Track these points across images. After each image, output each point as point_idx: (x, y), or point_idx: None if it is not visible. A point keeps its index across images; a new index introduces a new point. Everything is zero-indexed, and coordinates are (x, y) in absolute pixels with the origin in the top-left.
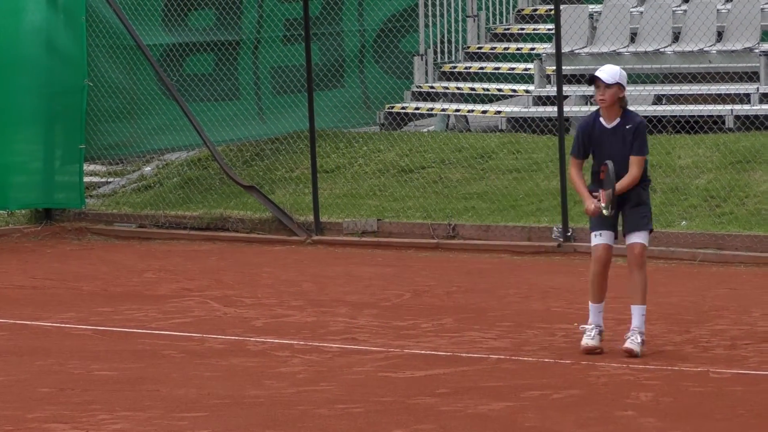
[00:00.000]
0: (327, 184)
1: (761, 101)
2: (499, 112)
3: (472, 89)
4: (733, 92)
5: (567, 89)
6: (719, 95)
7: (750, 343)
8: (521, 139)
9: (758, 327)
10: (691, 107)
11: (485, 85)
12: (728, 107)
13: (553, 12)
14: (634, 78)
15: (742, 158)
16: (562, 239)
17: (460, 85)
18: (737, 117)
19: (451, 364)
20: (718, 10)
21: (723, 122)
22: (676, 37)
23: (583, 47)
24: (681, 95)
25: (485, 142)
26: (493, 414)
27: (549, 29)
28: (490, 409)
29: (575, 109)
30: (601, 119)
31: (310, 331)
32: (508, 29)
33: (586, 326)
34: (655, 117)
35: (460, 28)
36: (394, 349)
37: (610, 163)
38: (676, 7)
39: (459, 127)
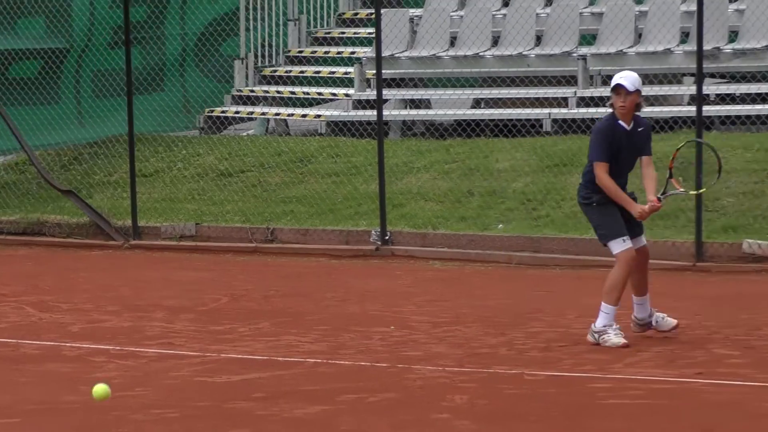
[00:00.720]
0: (146, 188)
1: (579, 105)
2: (318, 116)
3: (293, 93)
4: (551, 96)
5: (387, 93)
6: (537, 99)
7: (564, 345)
8: (340, 143)
9: (573, 329)
10: (510, 111)
11: (306, 89)
12: (546, 111)
13: (373, 16)
14: (454, 81)
15: (560, 162)
16: (380, 243)
17: (281, 89)
18: (555, 121)
19: (268, 368)
20: (537, 14)
21: (541, 126)
22: (495, 41)
23: (403, 51)
24: (500, 99)
25: (305, 146)
26: (309, 418)
27: (370, 33)
28: (306, 413)
29: (395, 112)
30: (620, 122)
31: (126, 336)
32: (329, 33)
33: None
34: (473, 120)
35: (281, 32)
36: (210, 353)
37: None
38: (496, 11)
39: (279, 131)
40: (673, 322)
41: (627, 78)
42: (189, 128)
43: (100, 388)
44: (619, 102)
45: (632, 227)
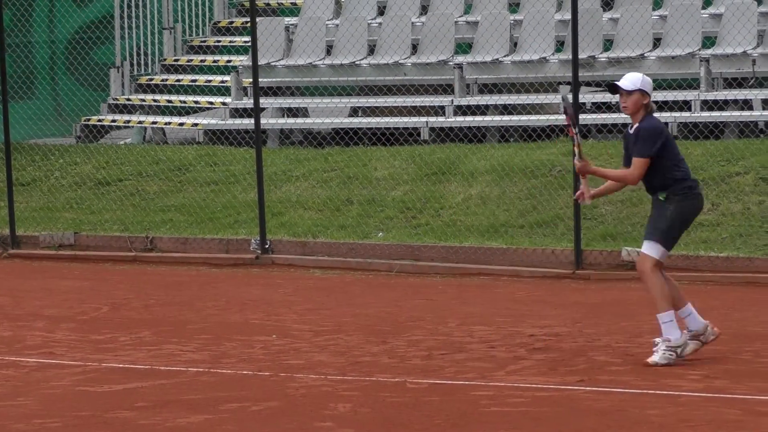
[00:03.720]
0: (23, 197)
1: (456, 113)
2: (196, 125)
3: (169, 101)
4: (428, 104)
5: (264, 101)
6: (415, 108)
7: (446, 353)
8: (218, 152)
9: (454, 337)
10: (387, 119)
11: (182, 98)
12: (423, 119)
13: (249, 24)
14: (331, 90)
15: (438, 170)
16: (260, 251)
17: (157, 97)
18: (432, 129)
19: (150, 377)
20: (412, 23)
21: (419, 134)
22: (371, 50)
23: (279, 60)
24: (377, 107)
25: (182, 155)
26: (191, 427)
27: (245, 42)
28: (189, 422)
29: (272, 121)
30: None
31: (6, 345)
32: (205, 41)
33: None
34: (351, 129)
35: (156, 40)
36: (92, 363)
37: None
38: (371, 19)
39: (156, 140)
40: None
41: (626, 77)
42: (64, 136)
43: None
44: (621, 103)
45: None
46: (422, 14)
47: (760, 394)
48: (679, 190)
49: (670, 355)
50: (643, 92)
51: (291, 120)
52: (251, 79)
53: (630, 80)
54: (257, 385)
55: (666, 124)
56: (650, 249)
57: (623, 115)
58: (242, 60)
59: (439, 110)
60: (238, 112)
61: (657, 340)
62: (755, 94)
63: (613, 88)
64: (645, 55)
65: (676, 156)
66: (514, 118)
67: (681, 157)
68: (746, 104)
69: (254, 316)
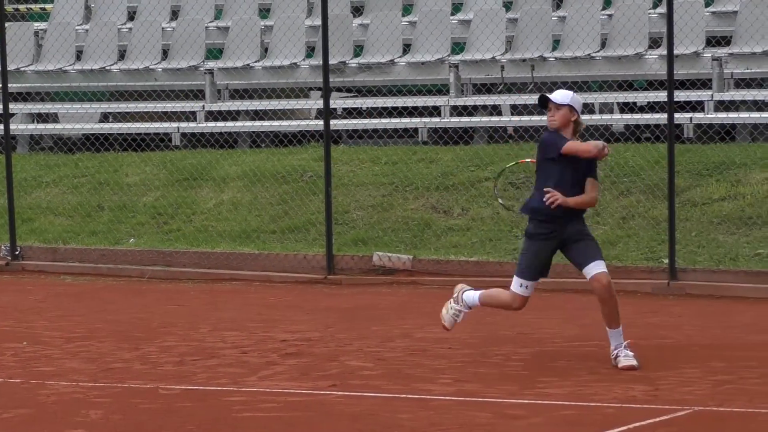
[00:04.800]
0: None
1: (207, 119)
2: None
3: None
4: (179, 110)
5: (13, 107)
6: (166, 113)
7: (198, 359)
8: None
9: (206, 343)
10: (138, 125)
11: None
12: (175, 125)
13: None
14: (81, 95)
15: (189, 175)
16: (10, 258)
17: None
18: (184, 135)
19: None
20: (163, 28)
21: (170, 140)
22: (122, 55)
23: (29, 65)
24: (128, 113)
25: None
26: None
27: None
28: None
29: (22, 126)
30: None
31: None
32: None
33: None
34: (102, 135)
35: None
36: None
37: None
38: (122, 25)
39: None
40: (630, 363)
41: (557, 92)
42: None
43: None
44: (549, 117)
45: (584, 255)
46: (172, 19)
47: (510, 397)
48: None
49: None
50: (572, 108)
51: (41, 125)
52: (0, 84)
53: (561, 95)
54: (7, 393)
55: (416, 130)
56: (604, 266)
57: (374, 120)
58: None
59: (191, 116)
60: None
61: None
62: (504, 100)
63: (543, 101)
64: (395, 60)
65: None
66: (266, 123)
67: None
68: (495, 110)
69: (4, 323)
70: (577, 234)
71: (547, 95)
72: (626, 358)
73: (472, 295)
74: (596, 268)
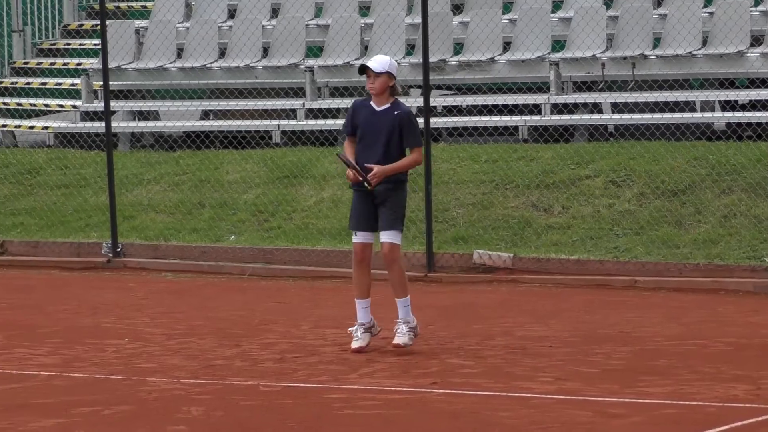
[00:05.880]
0: None
1: (307, 117)
2: (46, 128)
3: (19, 104)
4: (279, 108)
5: (114, 104)
6: (266, 111)
7: (299, 356)
8: (69, 155)
9: (306, 340)
10: (239, 123)
11: (32, 101)
12: (275, 122)
13: (99, 27)
14: (182, 93)
15: (290, 173)
16: (111, 255)
17: (7, 100)
18: (284, 132)
19: (1, 381)
20: (263, 26)
21: (270, 137)
22: (222, 53)
23: (130, 63)
24: (228, 110)
25: (33, 158)
26: (43, 431)
27: (96, 44)
28: (41, 426)
29: (123, 124)
30: (372, 103)
31: None
32: (55, 44)
33: (352, 328)
34: (202, 132)
35: (5, 43)
36: None
37: (342, 154)
38: (222, 22)
39: (6, 143)
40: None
41: (375, 59)
42: None
43: None
44: (368, 83)
45: (381, 221)
46: (273, 17)
47: (611, 395)
48: (404, 176)
49: (413, 336)
50: (390, 74)
51: (142, 123)
52: (102, 82)
53: (379, 62)
54: (109, 389)
55: (516, 128)
56: (397, 237)
57: (474, 118)
58: (92, 63)
59: (291, 113)
60: (88, 115)
61: (400, 320)
62: (604, 98)
63: (363, 69)
64: (495, 58)
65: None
66: None
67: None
68: (596, 108)
69: (106, 319)
70: (383, 194)
71: (366, 63)
72: (399, 336)
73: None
74: (383, 237)
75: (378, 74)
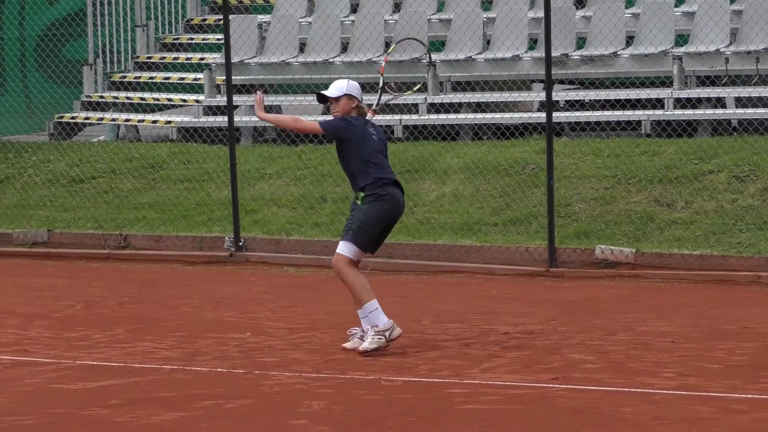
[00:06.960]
0: None
1: (429, 111)
2: (169, 122)
3: (143, 99)
4: (401, 103)
5: (237, 99)
6: (387, 105)
7: (420, 350)
8: (192, 149)
9: (428, 335)
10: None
11: (156, 95)
12: (397, 117)
13: (222, 22)
14: (304, 87)
15: (411, 168)
16: (234, 249)
17: (131, 94)
18: (406, 127)
19: (124, 374)
20: (385, 20)
21: (392, 132)
22: (345, 47)
23: (252, 57)
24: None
25: (156, 152)
26: (166, 424)
27: (218, 39)
28: (163, 420)
29: (245, 119)
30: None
31: None
32: (178, 39)
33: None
34: None
35: (129, 38)
36: (66, 360)
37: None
38: (344, 17)
39: (129, 137)
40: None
41: (332, 86)
42: (36, 132)
43: None
44: (333, 110)
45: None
46: (395, 12)
47: (734, 391)
48: (369, 194)
49: (380, 339)
50: (350, 96)
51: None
52: (224, 77)
53: (336, 88)
54: (231, 383)
55: (639, 122)
56: (343, 248)
57: (596, 113)
58: (215, 57)
59: (413, 108)
60: (211, 110)
61: (354, 330)
62: (728, 92)
63: (322, 99)
64: (618, 53)
65: (365, 161)
66: (488, 116)
67: (373, 161)
68: (719, 102)
69: (228, 313)
70: (361, 206)
71: (323, 92)
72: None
73: (374, 315)
74: (337, 247)
75: (337, 98)
